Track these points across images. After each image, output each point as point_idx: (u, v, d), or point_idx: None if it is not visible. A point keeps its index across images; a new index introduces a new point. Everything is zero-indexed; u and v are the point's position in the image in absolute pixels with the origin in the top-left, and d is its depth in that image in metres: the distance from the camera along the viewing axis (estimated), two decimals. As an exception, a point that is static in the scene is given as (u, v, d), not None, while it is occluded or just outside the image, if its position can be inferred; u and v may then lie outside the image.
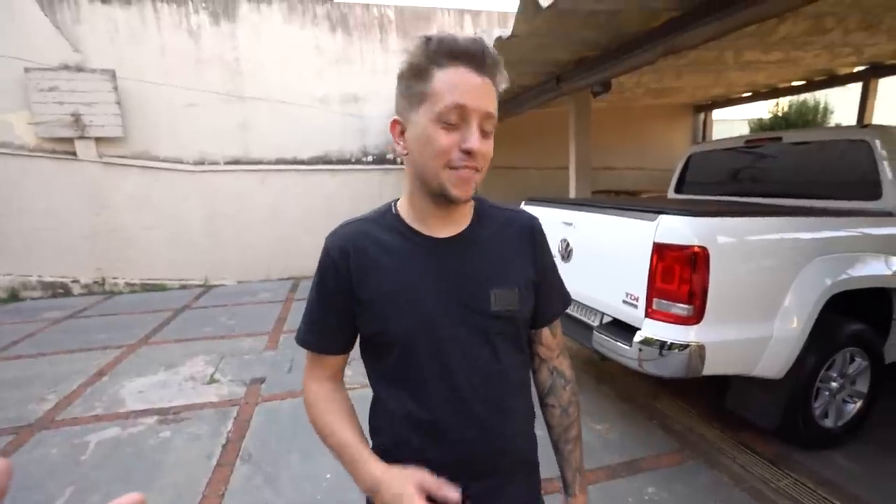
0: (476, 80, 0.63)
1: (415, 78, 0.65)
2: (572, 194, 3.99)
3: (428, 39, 0.64)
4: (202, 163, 6.11)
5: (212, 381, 3.23)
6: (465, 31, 6.77)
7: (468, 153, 0.63)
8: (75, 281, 5.91)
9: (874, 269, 2.22)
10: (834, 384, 2.26)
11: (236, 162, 6.24)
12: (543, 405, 0.87)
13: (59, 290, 5.87)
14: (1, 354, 3.90)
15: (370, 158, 6.71)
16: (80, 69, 5.46)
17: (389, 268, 0.71)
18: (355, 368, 1.01)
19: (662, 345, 1.97)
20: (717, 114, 7.93)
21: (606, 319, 2.40)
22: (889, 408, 2.54)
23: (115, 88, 5.52)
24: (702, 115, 7.82)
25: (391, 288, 0.71)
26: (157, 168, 5.94)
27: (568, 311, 2.81)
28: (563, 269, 2.95)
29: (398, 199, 0.78)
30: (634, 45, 2.89)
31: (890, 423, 2.48)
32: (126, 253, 6.01)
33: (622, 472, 2.16)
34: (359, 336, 0.77)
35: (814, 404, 2.20)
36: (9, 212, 5.53)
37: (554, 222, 2.70)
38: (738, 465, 2.18)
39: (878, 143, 2.42)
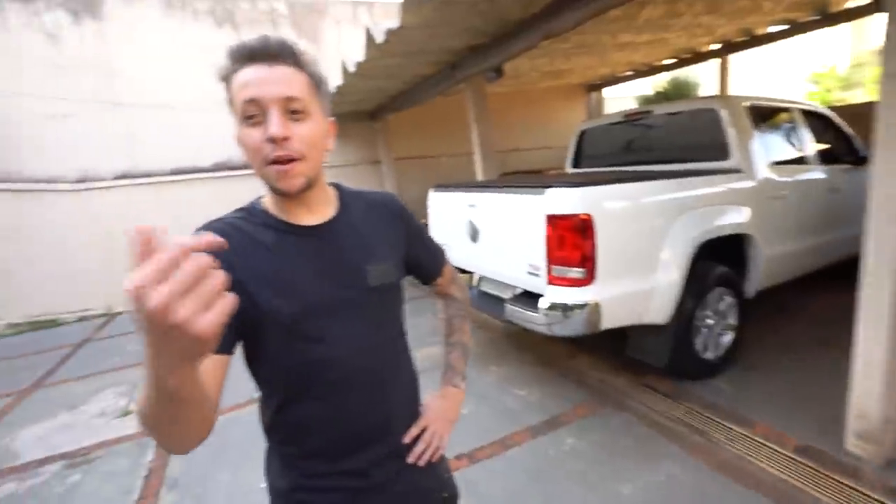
0: (265, 71, 0.66)
1: (226, 90, 0.69)
2: (479, 177, 4.15)
3: (226, 52, 0.68)
4: (84, 180, 5.50)
5: (126, 413, 2.99)
6: (360, 23, 6.67)
7: (272, 140, 0.66)
8: (-59, 329, 5.11)
9: (730, 218, 2.60)
10: (710, 321, 2.61)
11: (125, 176, 5.68)
12: (439, 320, 1.06)
13: (-81, 344, 5.04)
14: None
15: (279, 159, 6.45)
16: None
17: (265, 256, 0.71)
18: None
19: (565, 307, 2.17)
20: (609, 92, 8.57)
21: (517, 292, 2.57)
22: (749, 335, 2.99)
23: (-39, 103, 4.79)
24: (594, 94, 8.43)
25: (270, 270, 0.71)
26: (29, 190, 5.25)
27: (482, 287, 2.94)
28: (473, 249, 3.06)
29: (261, 197, 0.79)
30: (517, 32, 3.06)
31: (751, 346, 2.93)
32: (5, 290, 5.28)
33: (544, 430, 2.35)
34: (242, 340, 0.72)
35: (695, 341, 2.54)
36: None
37: (460, 206, 2.82)
38: (643, 405, 2.46)
39: (723, 111, 2.81)
